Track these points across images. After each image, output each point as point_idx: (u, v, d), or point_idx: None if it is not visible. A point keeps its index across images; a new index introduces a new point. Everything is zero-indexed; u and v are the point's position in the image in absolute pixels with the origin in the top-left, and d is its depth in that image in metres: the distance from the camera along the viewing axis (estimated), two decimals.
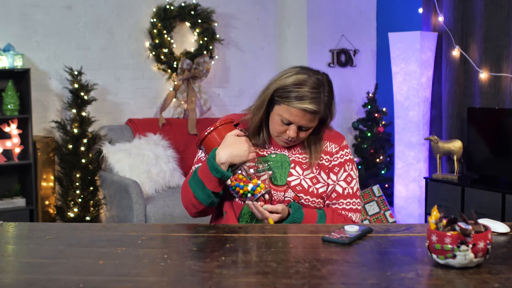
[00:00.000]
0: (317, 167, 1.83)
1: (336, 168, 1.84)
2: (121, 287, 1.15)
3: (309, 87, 1.69)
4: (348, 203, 1.85)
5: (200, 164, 1.85)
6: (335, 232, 1.49)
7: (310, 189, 1.81)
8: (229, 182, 1.75)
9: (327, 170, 1.84)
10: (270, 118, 1.78)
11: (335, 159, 1.85)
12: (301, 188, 1.80)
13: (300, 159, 1.83)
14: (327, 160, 1.84)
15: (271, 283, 1.15)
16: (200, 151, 1.90)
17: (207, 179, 1.74)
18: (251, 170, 1.77)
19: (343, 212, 1.84)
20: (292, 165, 1.82)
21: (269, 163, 1.83)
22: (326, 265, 1.26)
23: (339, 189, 1.84)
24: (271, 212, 1.73)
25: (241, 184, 1.74)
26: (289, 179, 1.81)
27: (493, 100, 4.10)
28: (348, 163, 1.86)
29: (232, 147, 1.73)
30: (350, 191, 1.85)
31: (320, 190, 1.82)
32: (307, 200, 1.81)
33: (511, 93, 4.00)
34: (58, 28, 4.32)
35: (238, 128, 1.81)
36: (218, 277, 1.19)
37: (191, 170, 1.88)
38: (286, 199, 1.80)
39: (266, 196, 1.78)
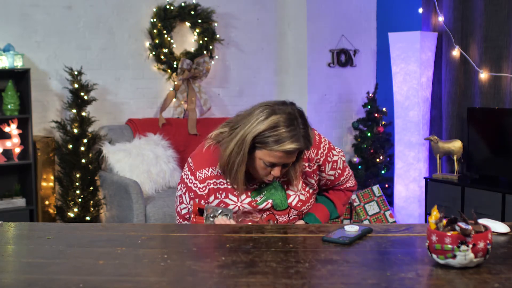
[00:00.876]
0: (302, 175, 1.90)
1: (321, 167, 1.92)
2: (121, 287, 1.15)
3: (284, 127, 1.67)
4: (342, 180, 2.00)
5: (186, 211, 1.89)
6: (335, 232, 1.49)
7: (306, 198, 1.91)
8: None
9: (312, 175, 1.91)
10: (252, 162, 1.75)
11: (317, 160, 1.90)
12: (301, 204, 1.89)
13: (286, 179, 1.88)
14: (309, 166, 1.90)
15: (271, 283, 1.15)
16: (181, 190, 1.89)
17: None
18: (253, 217, 1.86)
19: (342, 188, 2.02)
20: (285, 186, 1.88)
21: (262, 195, 1.86)
22: (326, 265, 1.26)
23: (331, 177, 1.96)
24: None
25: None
26: (289, 201, 1.88)
27: (493, 100, 4.10)
28: (328, 155, 1.91)
29: None
30: (339, 171, 1.97)
31: (311, 191, 1.93)
32: (307, 208, 1.92)
33: (511, 93, 4.00)
34: (58, 28, 4.32)
35: (208, 216, 1.81)
36: (218, 277, 1.19)
37: (180, 219, 1.92)
38: (291, 217, 1.89)
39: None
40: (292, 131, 1.67)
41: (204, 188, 1.83)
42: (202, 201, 1.84)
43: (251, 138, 1.69)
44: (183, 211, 1.89)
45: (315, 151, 1.88)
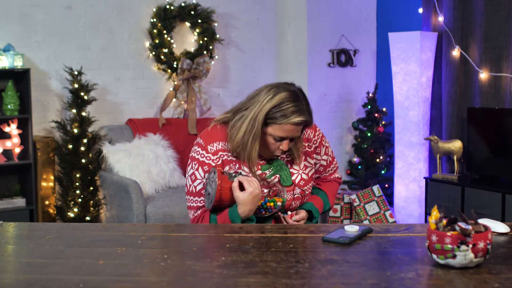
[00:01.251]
0: (303, 156, 2.03)
1: (317, 149, 2.07)
2: (121, 287, 1.15)
3: (290, 102, 1.83)
4: (332, 168, 2.15)
5: (199, 187, 1.92)
6: (335, 232, 1.49)
7: (308, 178, 2.02)
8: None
9: (311, 154, 2.06)
10: (262, 139, 1.88)
11: (315, 142, 2.05)
12: (303, 182, 2.00)
13: (289, 158, 2.01)
14: (309, 146, 2.04)
15: (271, 283, 1.15)
16: (193, 168, 1.93)
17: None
18: (263, 186, 1.92)
19: (331, 177, 2.16)
20: (289, 165, 2.00)
21: (270, 169, 1.97)
22: (326, 265, 1.26)
23: (324, 163, 2.11)
24: (298, 221, 1.94)
25: (263, 201, 1.89)
26: (293, 178, 1.99)
27: (493, 100, 4.10)
28: (323, 139, 2.09)
29: (250, 205, 1.81)
30: (330, 158, 2.13)
31: (310, 173, 2.05)
32: (308, 189, 2.03)
33: (511, 93, 4.00)
34: (58, 28, 4.32)
35: (233, 173, 1.87)
36: (218, 277, 1.19)
37: (194, 197, 1.93)
38: (295, 196, 1.99)
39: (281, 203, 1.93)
40: (298, 106, 1.83)
41: (217, 160, 1.91)
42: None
43: (263, 116, 1.83)
44: (198, 187, 1.90)
45: (313, 132, 2.05)
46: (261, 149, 1.90)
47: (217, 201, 1.81)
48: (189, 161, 1.96)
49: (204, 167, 1.90)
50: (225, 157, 1.92)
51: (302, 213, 1.96)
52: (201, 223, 1.89)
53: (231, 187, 1.81)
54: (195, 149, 1.94)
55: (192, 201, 1.93)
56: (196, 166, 1.91)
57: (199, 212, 1.91)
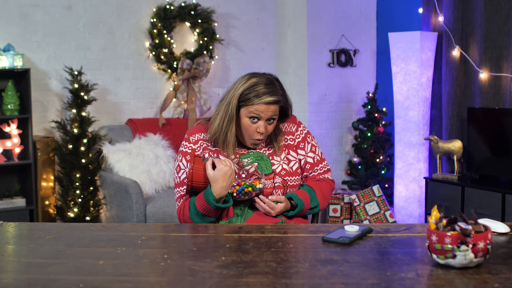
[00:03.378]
0: (284, 149, 2.08)
1: (301, 144, 2.11)
2: (121, 287, 1.15)
3: (263, 84, 1.93)
4: (321, 168, 2.15)
5: (183, 176, 2.01)
6: (335, 232, 1.49)
7: (290, 170, 2.06)
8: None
9: (294, 148, 2.10)
10: (239, 124, 1.98)
11: (297, 136, 2.11)
12: (285, 172, 2.04)
13: (271, 151, 2.07)
14: (291, 139, 2.10)
15: (271, 283, 1.15)
16: (178, 160, 2.05)
17: (212, 213, 1.90)
18: (241, 173, 1.96)
19: (320, 177, 2.15)
20: (270, 157, 2.05)
21: (249, 158, 2.04)
22: (326, 265, 1.26)
23: (310, 160, 2.13)
24: (276, 201, 1.96)
25: (241, 187, 1.93)
26: (273, 167, 2.04)
27: (493, 100, 4.10)
28: (308, 136, 2.14)
29: (221, 181, 1.86)
30: (318, 157, 2.15)
31: (294, 168, 2.07)
32: (291, 181, 2.05)
33: (511, 93, 4.00)
34: (58, 28, 4.32)
35: (206, 155, 1.97)
36: (218, 277, 1.19)
37: (179, 188, 2.02)
38: (276, 185, 2.02)
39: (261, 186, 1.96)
40: (270, 88, 1.93)
41: (198, 148, 2.02)
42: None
43: (236, 98, 1.94)
44: (182, 176, 1.99)
45: (295, 127, 2.12)
46: (241, 135, 1.99)
47: (191, 181, 1.87)
48: (176, 157, 2.08)
49: (187, 157, 2.00)
50: (205, 144, 2.02)
51: (281, 196, 1.98)
52: (185, 213, 1.94)
53: (204, 167, 1.87)
54: (182, 145, 2.06)
55: (177, 192, 2.02)
56: (180, 158, 2.03)
57: (182, 200, 1.99)
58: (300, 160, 2.10)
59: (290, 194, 2.04)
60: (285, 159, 2.06)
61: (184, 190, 1.98)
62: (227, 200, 1.89)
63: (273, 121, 1.98)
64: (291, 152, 2.09)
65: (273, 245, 1.43)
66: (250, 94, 1.92)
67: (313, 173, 2.15)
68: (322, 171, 2.16)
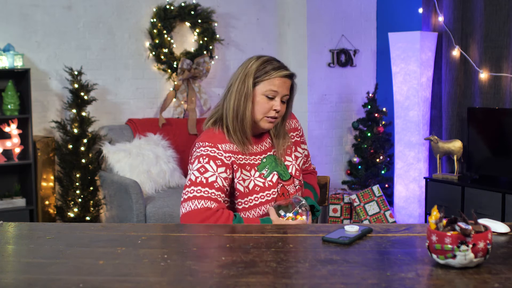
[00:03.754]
0: (292, 146, 2.06)
1: (302, 138, 2.13)
2: (121, 287, 1.15)
3: (275, 60, 1.95)
4: (309, 159, 2.21)
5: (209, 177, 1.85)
6: (335, 232, 1.49)
7: (299, 168, 2.06)
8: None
9: (300, 145, 2.10)
10: (254, 103, 1.91)
11: (300, 132, 2.12)
12: (298, 173, 2.04)
13: (280, 151, 2.02)
14: (296, 135, 2.10)
15: (271, 283, 1.15)
16: (202, 161, 1.87)
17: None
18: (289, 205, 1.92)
19: (310, 168, 2.21)
20: (282, 158, 2.02)
21: (266, 168, 1.97)
22: (326, 265, 1.26)
23: (306, 153, 2.16)
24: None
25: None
26: (289, 170, 2.02)
27: (493, 100, 4.10)
28: (302, 130, 2.16)
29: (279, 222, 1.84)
30: (307, 149, 2.19)
31: (301, 164, 2.09)
32: (302, 179, 2.07)
33: (511, 93, 4.00)
34: (58, 28, 4.32)
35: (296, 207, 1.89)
36: (218, 277, 1.19)
37: (199, 187, 1.82)
38: (297, 188, 2.02)
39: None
40: (282, 63, 1.96)
41: (229, 158, 1.89)
42: (228, 172, 1.87)
43: (251, 76, 1.90)
44: (210, 179, 1.82)
45: (294, 121, 2.11)
46: (256, 116, 1.92)
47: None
48: (193, 160, 1.89)
49: (217, 161, 1.86)
50: (233, 158, 1.90)
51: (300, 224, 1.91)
52: (217, 220, 1.78)
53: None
54: (203, 149, 1.88)
55: (200, 191, 1.80)
56: (207, 160, 1.85)
57: (215, 204, 1.80)
58: (302, 155, 2.11)
59: (310, 201, 2.06)
60: (294, 157, 2.05)
61: (214, 194, 1.81)
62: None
63: (285, 103, 1.96)
64: (298, 149, 2.09)
65: (273, 245, 1.43)
66: (266, 68, 1.90)
67: (306, 166, 2.18)
68: (310, 162, 2.21)
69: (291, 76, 1.94)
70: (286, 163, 2.02)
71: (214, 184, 1.83)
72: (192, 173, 1.86)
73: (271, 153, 2.01)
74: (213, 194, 1.81)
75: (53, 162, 4.21)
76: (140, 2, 4.60)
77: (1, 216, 3.76)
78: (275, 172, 1.97)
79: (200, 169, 1.84)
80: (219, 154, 1.87)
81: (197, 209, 1.79)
